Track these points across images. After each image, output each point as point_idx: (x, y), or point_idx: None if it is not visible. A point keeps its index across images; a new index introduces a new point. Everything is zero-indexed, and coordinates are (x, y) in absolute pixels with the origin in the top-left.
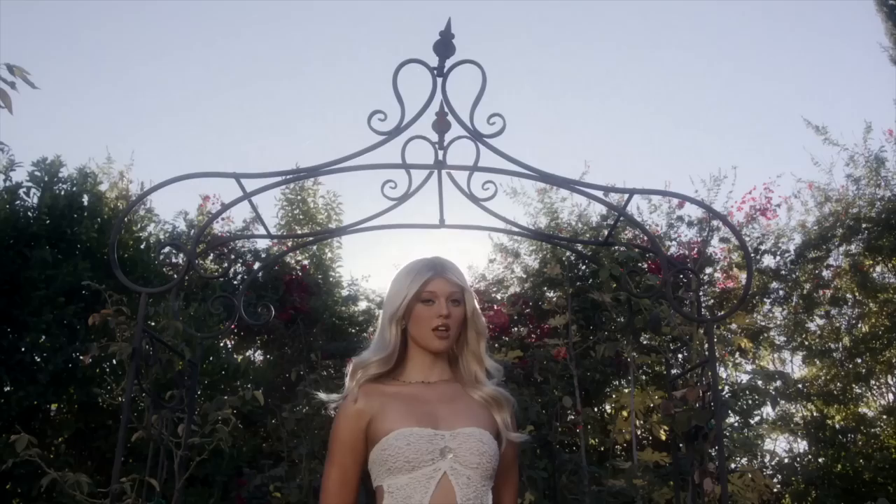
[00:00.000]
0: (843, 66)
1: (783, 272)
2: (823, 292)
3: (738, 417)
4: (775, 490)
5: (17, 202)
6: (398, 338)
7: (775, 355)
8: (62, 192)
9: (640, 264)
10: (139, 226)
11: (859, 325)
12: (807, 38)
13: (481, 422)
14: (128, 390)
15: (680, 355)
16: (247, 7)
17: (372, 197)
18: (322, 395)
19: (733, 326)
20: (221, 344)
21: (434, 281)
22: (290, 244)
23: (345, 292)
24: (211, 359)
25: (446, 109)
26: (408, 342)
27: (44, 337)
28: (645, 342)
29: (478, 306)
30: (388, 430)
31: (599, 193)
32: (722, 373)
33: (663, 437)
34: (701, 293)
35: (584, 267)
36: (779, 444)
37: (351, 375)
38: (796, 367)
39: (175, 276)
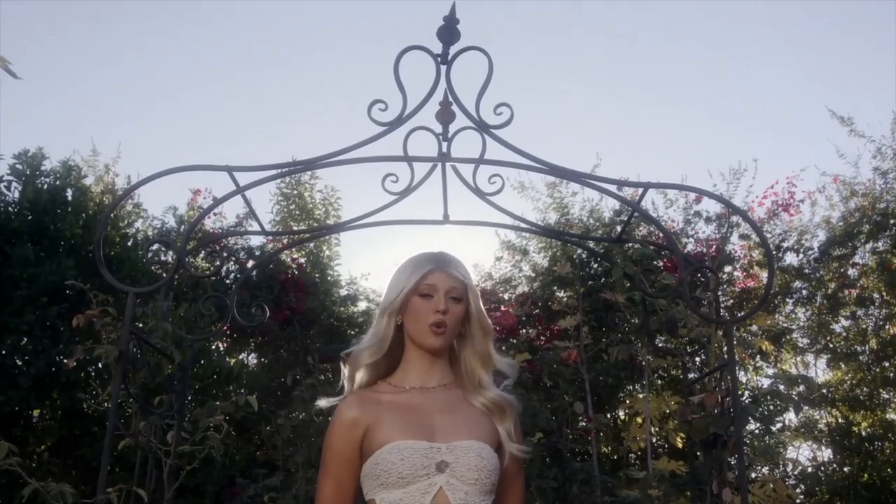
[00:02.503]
0: (870, 53)
1: (806, 271)
2: (849, 292)
3: (758, 424)
4: (798, 501)
5: None
6: (391, 329)
7: (798, 358)
8: (45, 187)
9: (655, 262)
10: (126, 222)
11: (887, 327)
12: (830, 24)
13: (481, 434)
14: (114, 395)
15: (697, 358)
16: None
17: (372, 191)
18: (322, 402)
19: (754, 328)
20: (213, 346)
21: (434, 274)
22: (285, 241)
23: (343, 292)
24: (202, 362)
25: (451, 99)
26: (405, 342)
27: (25, 339)
28: (660, 345)
29: (482, 306)
30: (382, 442)
31: (612, 188)
32: (742, 377)
33: (680, 445)
34: (720, 293)
35: (596, 265)
36: (802, 453)
37: (349, 375)
38: (820, 370)
39: (164, 274)
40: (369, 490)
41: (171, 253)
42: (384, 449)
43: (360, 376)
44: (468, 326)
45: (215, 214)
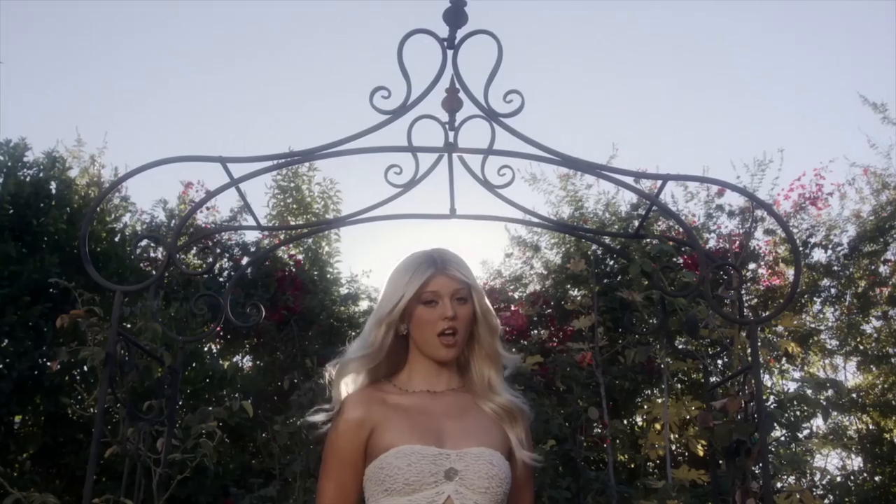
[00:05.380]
0: None
1: (835, 268)
2: (880, 290)
3: (784, 431)
4: None
5: None
6: (388, 339)
7: (826, 361)
8: (27, 179)
9: (674, 259)
10: (113, 216)
11: None
12: (862, 3)
13: (492, 440)
14: (100, 400)
15: (719, 361)
16: None
17: (374, 184)
18: (317, 418)
19: (779, 329)
20: (206, 348)
21: (435, 279)
22: (282, 237)
23: (343, 290)
24: (194, 365)
25: (458, 86)
26: (410, 347)
27: (7, 340)
28: (680, 346)
29: (488, 303)
30: (388, 445)
31: (629, 180)
32: (766, 381)
33: (701, 453)
34: (743, 291)
35: (611, 262)
36: (830, 461)
37: (335, 380)
38: (850, 374)
39: (153, 272)
40: (372, 495)
41: (160, 249)
42: (390, 453)
43: (357, 380)
44: (476, 327)
45: (208, 208)
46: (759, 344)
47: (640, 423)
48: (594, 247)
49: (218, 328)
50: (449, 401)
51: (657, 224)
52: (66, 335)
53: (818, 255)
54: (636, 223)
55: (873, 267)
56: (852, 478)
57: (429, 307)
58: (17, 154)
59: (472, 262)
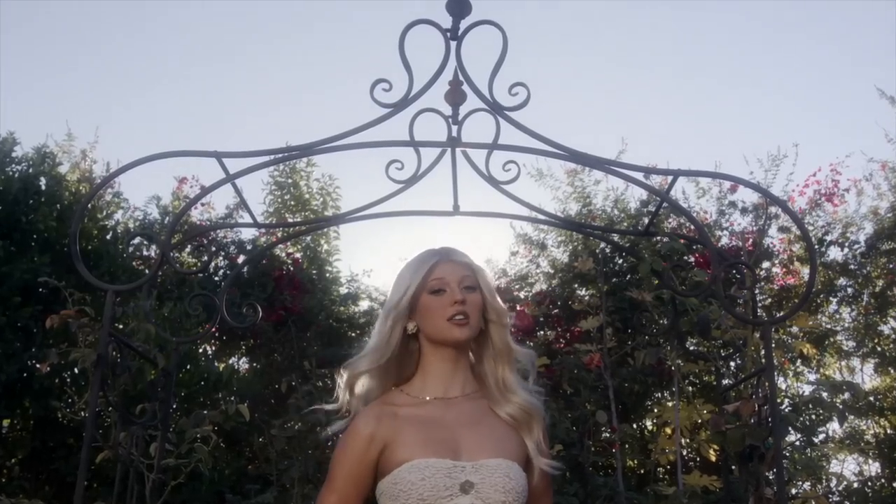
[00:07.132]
0: None
1: (852, 266)
2: None
3: (799, 435)
4: None
5: None
6: (396, 334)
7: (843, 363)
8: (16, 175)
9: (686, 257)
10: (105, 213)
11: None
12: None
13: (509, 451)
14: (91, 403)
15: (732, 363)
16: None
17: (375, 180)
18: (334, 428)
19: (794, 329)
20: (201, 350)
21: (440, 266)
22: (279, 234)
23: (343, 290)
24: (188, 367)
25: (461, 78)
26: (421, 349)
27: None
28: (692, 348)
29: (495, 292)
30: (402, 460)
31: (639, 175)
32: (781, 383)
33: (713, 458)
34: (757, 291)
35: (620, 261)
36: (847, 466)
37: (346, 384)
38: (867, 376)
39: (147, 271)
40: None
41: (154, 247)
42: (404, 467)
43: (365, 385)
44: (485, 323)
45: (203, 205)
46: (774, 345)
47: (649, 427)
48: (602, 245)
49: (213, 329)
50: (464, 408)
51: (668, 221)
52: (56, 336)
53: (834, 254)
54: (646, 220)
55: (891, 265)
56: (869, 483)
57: (436, 296)
58: (6, 149)
59: (476, 261)
